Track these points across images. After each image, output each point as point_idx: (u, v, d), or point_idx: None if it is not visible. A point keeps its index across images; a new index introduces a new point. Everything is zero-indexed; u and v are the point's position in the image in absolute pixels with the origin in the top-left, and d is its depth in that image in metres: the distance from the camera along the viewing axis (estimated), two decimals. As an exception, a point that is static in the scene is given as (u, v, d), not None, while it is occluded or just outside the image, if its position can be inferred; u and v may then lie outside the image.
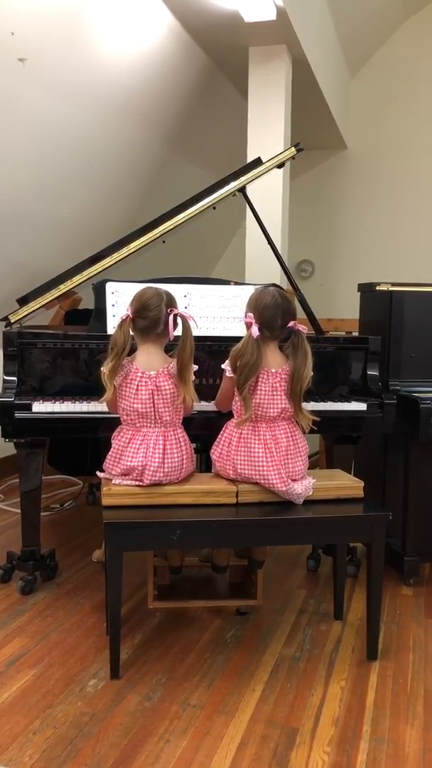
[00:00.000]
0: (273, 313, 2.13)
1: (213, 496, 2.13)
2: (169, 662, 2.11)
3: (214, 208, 2.89)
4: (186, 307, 2.64)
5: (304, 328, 2.18)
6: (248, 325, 2.14)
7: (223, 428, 2.24)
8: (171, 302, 2.15)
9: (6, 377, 2.44)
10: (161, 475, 2.10)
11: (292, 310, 2.19)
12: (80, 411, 2.38)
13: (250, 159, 3.28)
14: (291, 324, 2.16)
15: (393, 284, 2.80)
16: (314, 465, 3.23)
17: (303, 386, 2.14)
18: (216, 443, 2.24)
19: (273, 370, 2.15)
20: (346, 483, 2.25)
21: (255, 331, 2.10)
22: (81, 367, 2.53)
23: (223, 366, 2.19)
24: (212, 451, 2.25)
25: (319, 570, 2.84)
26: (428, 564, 2.90)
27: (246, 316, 2.16)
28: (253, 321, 2.12)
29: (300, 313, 3.04)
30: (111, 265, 2.76)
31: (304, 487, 2.14)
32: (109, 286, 2.66)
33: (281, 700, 1.93)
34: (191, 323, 2.16)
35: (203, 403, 2.35)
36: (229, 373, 2.16)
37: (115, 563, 1.99)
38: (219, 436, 2.24)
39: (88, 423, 2.40)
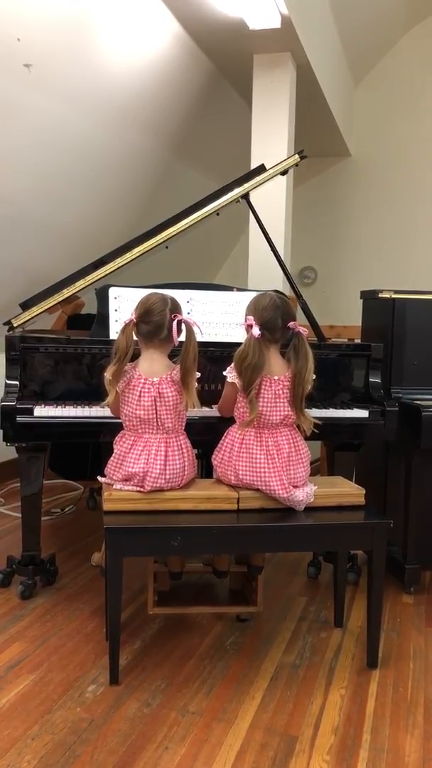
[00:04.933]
0: (273, 314, 2.14)
1: (214, 502, 2.13)
2: (168, 668, 2.10)
3: (218, 214, 2.90)
4: (189, 313, 2.64)
5: (305, 330, 2.18)
6: (249, 328, 2.14)
7: (225, 434, 2.24)
8: (176, 308, 2.15)
9: (8, 381, 2.44)
10: (162, 482, 2.10)
11: (291, 312, 2.19)
12: (82, 416, 2.38)
13: (253, 166, 3.29)
14: (291, 324, 2.16)
15: (395, 291, 2.81)
16: (315, 472, 3.22)
17: (305, 388, 2.14)
18: (217, 449, 2.24)
19: (275, 378, 2.15)
20: (347, 490, 2.25)
21: (256, 331, 2.11)
22: (83, 372, 2.54)
23: (224, 372, 2.19)
24: (213, 456, 2.25)
25: (319, 577, 2.83)
26: (429, 572, 2.89)
27: (246, 320, 2.17)
28: (254, 323, 2.13)
29: (302, 319, 3.04)
30: (114, 271, 2.76)
31: (305, 493, 2.14)
32: (112, 291, 2.67)
33: (280, 707, 1.93)
34: (195, 329, 2.16)
35: (205, 408, 2.35)
36: (230, 379, 2.16)
37: (115, 568, 1.98)
38: (220, 441, 2.24)
39: (89, 428, 2.40)
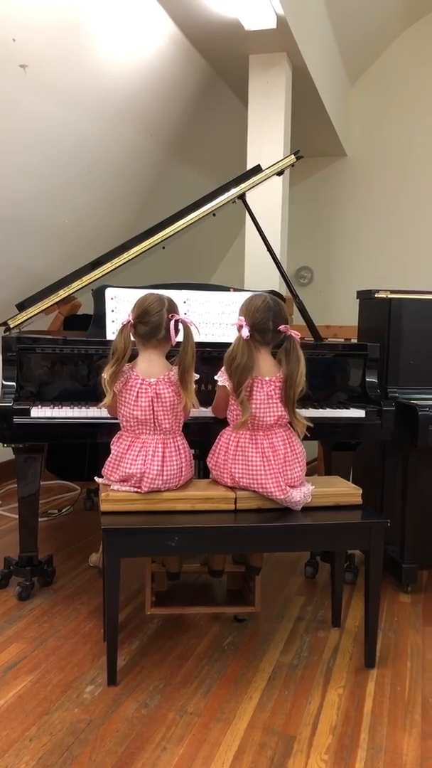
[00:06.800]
0: (264, 316, 2.13)
1: (211, 503, 2.13)
2: (166, 669, 2.10)
3: (214, 214, 2.90)
4: (185, 313, 2.64)
5: (297, 334, 2.18)
6: (239, 329, 2.15)
7: (218, 437, 2.24)
8: (172, 308, 2.15)
9: (5, 382, 2.44)
10: (160, 482, 2.10)
11: (284, 315, 2.19)
12: (79, 416, 2.38)
13: (249, 166, 3.29)
14: (282, 328, 2.16)
15: (392, 291, 2.81)
16: (312, 471, 3.23)
17: (297, 391, 2.14)
18: (212, 452, 2.24)
19: (267, 378, 2.15)
20: (344, 490, 2.25)
21: (245, 332, 2.11)
22: (80, 373, 2.53)
23: (216, 377, 2.19)
24: (208, 460, 2.24)
25: (317, 577, 2.83)
26: (426, 571, 2.90)
27: (238, 321, 2.17)
28: (244, 324, 2.13)
29: (299, 319, 3.05)
30: (110, 271, 2.76)
31: (302, 494, 2.14)
32: (109, 292, 2.67)
33: (278, 707, 1.93)
34: (193, 329, 2.16)
35: (202, 408, 2.35)
36: (221, 382, 2.17)
37: (113, 569, 1.98)
38: (214, 444, 2.23)
39: (86, 428, 2.39)
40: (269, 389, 2.14)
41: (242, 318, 2.15)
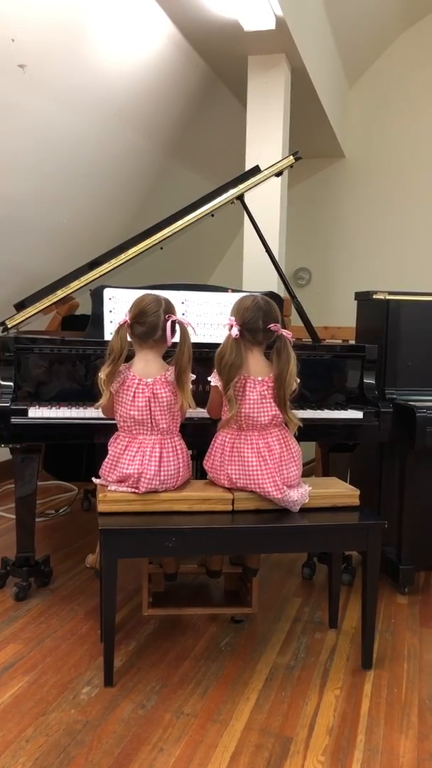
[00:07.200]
0: (253, 315, 2.14)
1: (209, 503, 2.13)
2: (163, 670, 2.10)
3: (213, 215, 2.90)
4: (183, 314, 2.64)
5: (289, 333, 2.18)
6: (229, 328, 2.15)
7: (214, 438, 2.23)
8: (169, 309, 2.15)
9: (2, 382, 2.43)
10: (157, 483, 2.10)
11: (274, 315, 2.19)
12: (76, 417, 2.38)
13: (248, 167, 3.29)
14: (273, 327, 2.15)
15: (390, 293, 2.81)
16: (310, 473, 3.23)
17: (287, 391, 2.14)
18: (208, 455, 2.23)
19: (259, 379, 2.15)
20: (341, 491, 2.25)
21: (235, 331, 2.12)
22: (78, 373, 2.53)
23: (209, 378, 2.20)
24: (204, 462, 2.24)
25: (314, 578, 2.83)
26: (423, 573, 2.90)
27: (229, 320, 2.17)
28: (234, 323, 2.14)
29: (297, 320, 3.05)
30: (109, 271, 2.76)
31: (300, 494, 2.14)
32: (107, 292, 2.67)
33: (275, 708, 1.93)
34: (189, 330, 2.16)
35: (199, 409, 2.35)
36: (214, 383, 2.18)
37: (110, 570, 1.98)
38: (210, 446, 2.23)
39: (84, 429, 2.39)
40: (262, 389, 2.14)
41: (232, 318, 2.16)
